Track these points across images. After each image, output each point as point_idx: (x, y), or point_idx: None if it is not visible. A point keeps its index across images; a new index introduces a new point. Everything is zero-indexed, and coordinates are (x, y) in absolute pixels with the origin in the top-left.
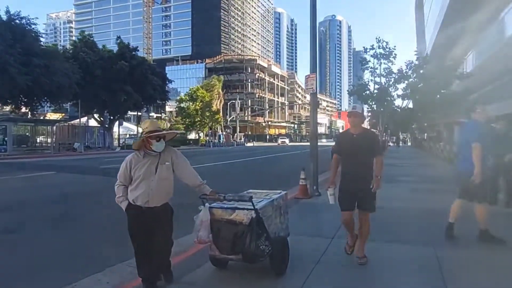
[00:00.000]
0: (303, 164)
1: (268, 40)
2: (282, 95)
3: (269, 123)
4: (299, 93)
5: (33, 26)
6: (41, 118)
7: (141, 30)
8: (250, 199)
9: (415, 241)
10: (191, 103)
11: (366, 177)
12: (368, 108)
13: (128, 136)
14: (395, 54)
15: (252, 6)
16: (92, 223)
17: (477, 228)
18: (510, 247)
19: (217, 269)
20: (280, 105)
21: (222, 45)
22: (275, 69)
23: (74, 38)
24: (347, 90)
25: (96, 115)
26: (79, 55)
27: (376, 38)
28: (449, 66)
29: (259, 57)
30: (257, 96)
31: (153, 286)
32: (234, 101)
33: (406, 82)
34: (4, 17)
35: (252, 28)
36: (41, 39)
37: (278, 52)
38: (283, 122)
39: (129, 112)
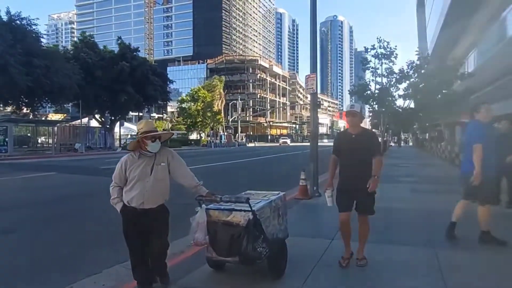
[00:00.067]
0: (303, 164)
1: (269, 40)
2: (283, 95)
3: (271, 123)
4: (301, 93)
5: (33, 27)
6: (43, 119)
7: (142, 31)
8: (247, 201)
9: (416, 242)
10: (192, 104)
11: (365, 178)
12: (369, 108)
13: (129, 136)
14: (396, 54)
15: (254, 6)
16: (91, 224)
17: (479, 229)
18: (511, 248)
19: (214, 271)
20: (281, 105)
21: (223, 45)
22: (276, 69)
23: (75, 39)
24: (348, 90)
25: (97, 116)
26: (80, 56)
27: (377, 38)
28: (450, 65)
29: (260, 57)
30: (258, 97)
31: None
32: (235, 102)
33: (407, 82)
34: (5, 18)
35: (254, 29)
36: (42, 39)
37: (279, 53)
38: (284, 122)
39: (130, 113)
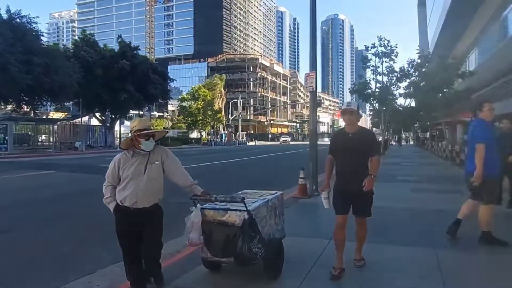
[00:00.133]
0: (303, 163)
1: (270, 39)
2: (284, 94)
3: (271, 122)
4: (302, 92)
5: (34, 25)
6: (44, 117)
7: (143, 29)
8: (242, 200)
9: (415, 242)
10: (193, 102)
11: (363, 178)
12: (369, 107)
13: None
14: (397, 52)
15: (254, 5)
16: (88, 223)
17: (479, 229)
18: None
19: (209, 272)
20: (282, 104)
21: (224, 44)
22: (277, 68)
23: (76, 37)
24: (349, 89)
25: (97, 114)
26: (81, 54)
27: (378, 36)
28: (451, 64)
29: (261, 56)
30: (259, 95)
31: None
32: (236, 100)
33: (408, 80)
34: (5, 16)
35: (254, 27)
36: (42, 38)
37: (280, 51)
38: (285, 121)
39: (131, 111)
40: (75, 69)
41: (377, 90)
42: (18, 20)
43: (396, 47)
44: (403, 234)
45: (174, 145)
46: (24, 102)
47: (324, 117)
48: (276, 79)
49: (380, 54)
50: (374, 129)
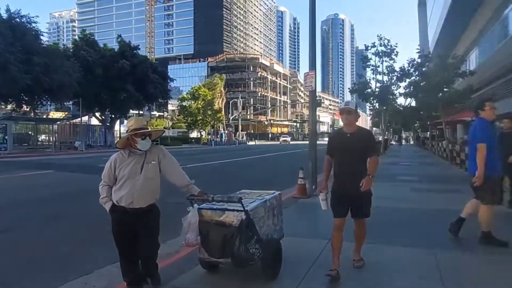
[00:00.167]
0: (303, 163)
1: (270, 38)
2: (284, 93)
3: (272, 121)
4: (302, 91)
5: (33, 25)
6: (44, 117)
7: (143, 29)
8: (239, 200)
9: (414, 243)
10: (193, 102)
11: (361, 179)
12: (369, 107)
13: None
14: (397, 52)
15: (255, 4)
16: (85, 223)
17: (479, 229)
18: None
19: (207, 272)
20: (282, 103)
21: (224, 43)
22: (277, 67)
23: (76, 37)
24: (348, 88)
25: (97, 114)
26: (80, 54)
27: (378, 36)
28: (452, 63)
29: (261, 55)
30: (259, 95)
31: None
32: (236, 100)
33: (408, 80)
34: (5, 16)
35: (255, 27)
36: (42, 37)
37: (280, 51)
38: (285, 120)
39: (131, 111)
40: (74, 69)
41: (377, 89)
42: (17, 19)
43: (396, 46)
44: (403, 234)
45: (174, 144)
46: (24, 102)
47: (324, 117)
48: (276, 78)
49: (380, 54)
50: (374, 128)
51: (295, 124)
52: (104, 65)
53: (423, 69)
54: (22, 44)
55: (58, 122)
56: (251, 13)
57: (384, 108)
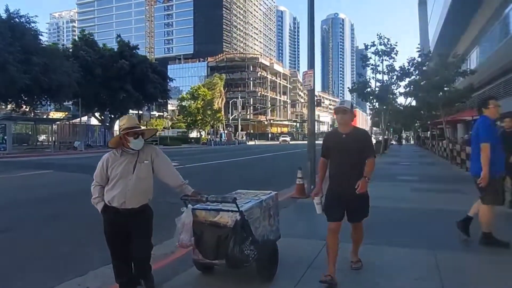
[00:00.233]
0: (302, 162)
1: (270, 38)
2: (284, 93)
3: (271, 121)
4: (302, 91)
5: (32, 25)
6: (44, 117)
7: (143, 29)
8: (233, 201)
9: (414, 243)
10: (192, 102)
11: (356, 182)
12: (369, 106)
13: None
14: (397, 51)
15: (254, 4)
16: (82, 223)
17: (480, 230)
18: None
19: (202, 274)
20: (282, 103)
21: (224, 43)
22: (277, 67)
23: (76, 37)
24: (348, 88)
25: (97, 114)
26: (80, 54)
27: (377, 35)
28: (452, 62)
29: (261, 55)
30: (259, 95)
31: None
32: (236, 100)
33: (408, 79)
34: (4, 16)
35: (254, 27)
36: (41, 37)
37: (280, 51)
38: (285, 120)
39: (130, 111)
40: (73, 69)
41: (377, 89)
42: (17, 19)
43: (396, 45)
44: (402, 235)
45: (173, 144)
46: (23, 102)
47: (324, 117)
48: (276, 78)
49: (380, 53)
50: (374, 128)
51: (295, 124)
52: (103, 65)
53: (424, 68)
54: (21, 44)
55: (58, 122)
56: (251, 12)
57: (384, 107)
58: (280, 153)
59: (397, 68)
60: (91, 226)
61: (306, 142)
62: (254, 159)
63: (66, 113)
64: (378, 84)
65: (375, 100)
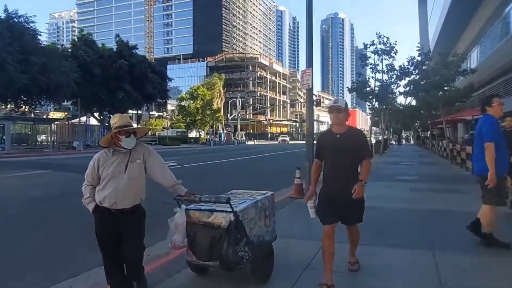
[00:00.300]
0: (300, 162)
1: (270, 38)
2: (284, 93)
3: (271, 121)
4: (301, 91)
5: (31, 24)
6: (44, 117)
7: (142, 29)
8: (227, 201)
9: (413, 245)
10: (191, 102)
11: (352, 184)
12: (369, 106)
13: None
14: (396, 50)
15: (254, 4)
16: (76, 223)
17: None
18: None
19: (196, 275)
20: (281, 103)
21: (223, 43)
22: (276, 67)
23: (75, 37)
24: (347, 87)
25: (96, 114)
26: (79, 54)
27: (377, 34)
28: (452, 62)
29: (260, 55)
30: (258, 95)
31: None
32: (235, 100)
33: (408, 78)
34: (3, 15)
35: (254, 27)
36: (40, 37)
37: (280, 50)
38: (284, 120)
39: (130, 111)
40: (72, 69)
41: (376, 88)
42: (15, 19)
43: (396, 44)
44: (401, 236)
45: (172, 144)
46: (22, 102)
47: (324, 116)
48: (276, 78)
49: (379, 52)
50: (374, 128)
51: (294, 123)
52: (102, 65)
53: (424, 67)
54: (20, 44)
55: (57, 122)
56: (250, 12)
57: (384, 107)
58: (278, 153)
59: (397, 68)
60: (85, 227)
61: (305, 142)
62: (252, 159)
63: (66, 113)
64: (377, 83)
65: (374, 100)
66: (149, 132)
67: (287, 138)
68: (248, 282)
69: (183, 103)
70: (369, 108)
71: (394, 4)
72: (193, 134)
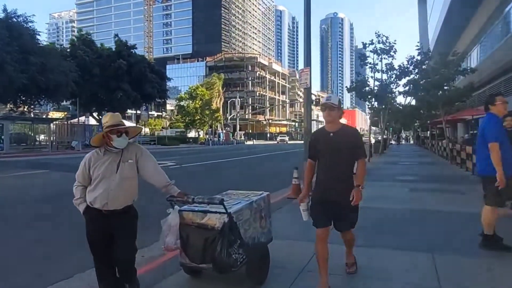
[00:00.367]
0: (298, 162)
1: (269, 38)
2: (283, 93)
3: (270, 121)
4: (301, 91)
5: (30, 24)
6: (43, 117)
7: (142, 29)
8: (220, 202)
9: (412, 247)
10: (190, 102)
11: (346, 185)
12: (368, 105)
13: None
14: (395, 49)
15: (253, 4)
16: (72, 224)
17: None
18: None
19: (191, 278)
20: (281, 103)
21: (222, 43)
22: (276, 67)
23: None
24: (346, 87)
25: (95, 114)
26: (77, 53)
27: (376, 33)
28: (452, 61)
29: (260, 55)
30: (257, 94)
31: None
32: (234, 99)
33: (407, 78)
34: (1, 15)
35: (253, 26)
36: (39, 37)
37: (279, 50)
38: (284, 120)
39: (129, 111)
40: (71, 68)
41: (375, 88)
42: (14, 19)
43: (395, 43)
44: (400, 237)
45: (171, 144)
46: (21, 102)
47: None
48: (275, 78)
49: (379, 51)
50: (373, 128)
51: (293, 123)
52: (101, 65)
53: (423, 66)
54: (19, 44)
55: (56, 122)
56: (250, 12)
57: (383, 107)
58: (277, 153)
59: (396, 67)
60: (81, 227)
61: (303, 141)
62: (250, 159)
63: (66, 113)
64: (377, 83)
65: (373, 100)
66: (149, 132)
67: (286, 138)
68: (243, 284)
69: (182, 103)
70: (368, 108)
71: (394, 4)
72: (192, 134)
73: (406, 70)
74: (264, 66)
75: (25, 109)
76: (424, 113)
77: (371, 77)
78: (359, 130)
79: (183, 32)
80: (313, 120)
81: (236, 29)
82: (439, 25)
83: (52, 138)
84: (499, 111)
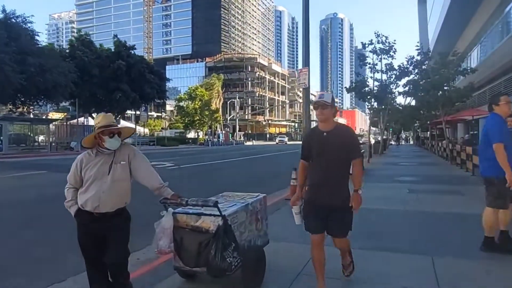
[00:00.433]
0: (296, 163)
1: (268, 38)
2: (282, 93)
3: (270, 121)
4: (300, 91)
5: (28, 25)
6: (43, 117)
7: (141, 30)
8: (215, 204)
9: (411, 249)
10: (190, 102)
11: (341, 188)
12: (367, 106)
13: None
14: (395, 49)
15: (253, 4)
16: (68, 226)
17: (482, 234)
18: None
19: (185, 281)
20: (280, 103)
21: (222, 43)
22: (275, 67)
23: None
24: (345, 87)
25: (94, 114)
26: (76, 54)
27: (375, 33)
28: (452, 61)
29: (259, 55)
30: (257, 95)
31: None
32: (234, 100)
33: (407, 78)
34: (0, 16)
35: (253, 27)
36: (37, 38)
37: (279, 51)
38: (283, 120)
39: (129, 112)
40: (70, 69)
41: (375, 88)
42: (13, 20)
43: (395, 43)
44: (399, 239)
45: (171, 145)
46: (20, 102)
47: None
48: (275, 78)
49: (378, 51)
50: (373, 128)
51: (293, 124)
52: (100, 65)
53: (423, 67)
54: (17, 45)
55: (55, 123)
56: (249, 13)
57: (383, 107)
58: (276, 154)
59: (396, 67)
60: (76, 229)
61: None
62: (249, 160)
63: (65, 113)
64: (376, 83)
65: (373, 100)
66: (148, 133)
67: (285, 139)
68: (239, 287)
69: (181, 104)
70: (368, 108)
71: (394, 4)
72: (191, 134)
73: (406, 70)
74: (263, 67)
75: (24, 110)
76: (424, 113)
77: (371, 77)
78: (358, 131)
79: (182, 33)
80: (313, 120)
81: (235, 30)
82: (439, 25)
83: (51, 139)
84: (503, 111)
